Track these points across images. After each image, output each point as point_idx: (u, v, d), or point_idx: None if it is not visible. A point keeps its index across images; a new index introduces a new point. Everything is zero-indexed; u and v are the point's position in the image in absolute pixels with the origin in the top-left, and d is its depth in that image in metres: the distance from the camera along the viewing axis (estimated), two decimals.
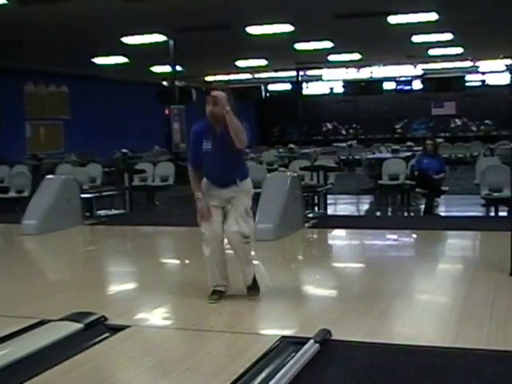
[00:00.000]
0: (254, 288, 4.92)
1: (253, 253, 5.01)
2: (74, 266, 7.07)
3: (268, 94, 27.34)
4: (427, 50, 20.61)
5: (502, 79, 26.85)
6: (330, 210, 11.29)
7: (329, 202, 11.20)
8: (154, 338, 4.24)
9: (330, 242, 8.60)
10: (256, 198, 8.21)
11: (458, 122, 31.58)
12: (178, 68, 18.93)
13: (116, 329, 4.21)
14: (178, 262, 7.59)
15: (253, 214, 5.05)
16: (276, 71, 26.85)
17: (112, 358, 3.86)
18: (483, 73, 27.33)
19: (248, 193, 4.90)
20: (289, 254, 7.44)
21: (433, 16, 14.36)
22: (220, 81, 27.01)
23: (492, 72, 26.89)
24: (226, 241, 4.91)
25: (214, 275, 4.89)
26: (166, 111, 19.94)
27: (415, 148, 19.61)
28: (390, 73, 26.29)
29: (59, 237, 8.34)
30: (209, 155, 4.77)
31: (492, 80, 27.83)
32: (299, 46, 18.48)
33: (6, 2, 11.60)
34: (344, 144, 26.35)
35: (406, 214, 12.24)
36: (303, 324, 4.36)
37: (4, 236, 9.27)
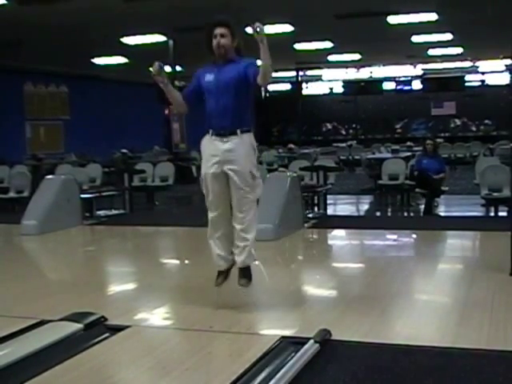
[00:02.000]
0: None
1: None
2: (74, 266, 7.07)
3: (268, 94, 27.38)
4: (427, 50, 20.64)
5: (502, 79, 26.87)
6: (330, 210, 11.29)
7: (328, 202, 11.20)
8: (154, 338, 4.24)
9: (330, 242, 8.60)
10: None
11: (458, 122, 31.59)
12: (178, 68, 18.94)
13: (116, 329, 4.21)
14: (177, 262, 7.59)
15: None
16: (276, 71, 26.81)
17: (112, 359, 3.86)
18: (483, 73, 27.37)
19: (251, 148, 4.46)
20: (288, 254, 7.44)
21: (432, 16, 14.38)
22: None
23: (492, 72, 26.93)
24: None
25: None
26: (166, 111, 19.95)
27: (415, 148, 19.62)
28: (389, 73, 26.30)
29: (59, 237, 8.34)
30: (209, 94, 4.39)
31: (492, 80, 27.85)
32: (299, 46, 18.51)
33: (5, 1, 11.62)
34: (344, 144, 26.36)
35: (405, 214, 12.24)
36: (303, 324, 4.36)
37: (4, 236, 9.27)
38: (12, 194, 12.23)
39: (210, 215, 4.57)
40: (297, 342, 3.80)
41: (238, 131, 4.42)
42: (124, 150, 20.62)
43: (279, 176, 8.79)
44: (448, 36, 17.63)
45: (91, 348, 3.90)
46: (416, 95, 27.89)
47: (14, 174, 13.31)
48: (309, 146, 25.10)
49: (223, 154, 4.39)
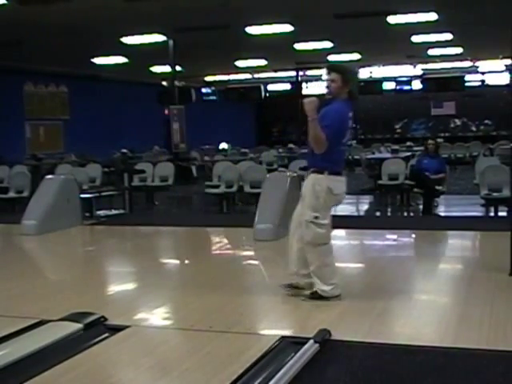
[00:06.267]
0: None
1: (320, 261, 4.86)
2: (74, 266, 7.07)
3: (268, 94, 27.35)
4: (427, 49, 20.62)
5: (502, 79, 26.82)
6: None
7: None
8: (154, 338, 4.24)
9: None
10: (256, 198, 8.23)
11: (458, 122, 31.57)
12: (178, 68, 18.93)
13: (116, 329, 4.20)
14: (177, 262, 7.59)
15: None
16: (276, 71, 26.84)
17: (111, 359, 3.86)
18: (483, 73, 27.34)
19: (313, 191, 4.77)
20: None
21: (432, 16, 14.36)
22: (220, 81, 27.01)
23: (491, 72, 26.89)
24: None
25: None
26: (166, 111, 19.94)
27: (415, 148, 19.61)
28: (389, 73, 26.29)
29: (59, 237, 8.33)
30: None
31: (491, 80, 27.81)
32: (299, 46, 18.48)
33: (5, 1, 11.60)
34: None
35: (405, 214, 12.23)
36: (303, 324, 4.36)
37: (3, 236, 9.26)
38: (12, 194, 12.23)
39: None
40: (297, 342, 3.80)
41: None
42: (124, 150, 20.57)
43: (279, 176, 8.79)
44: (448, 36, 17.60)
45: (91, 348, 3.90)
46: (416, 95, 27.83)
47: (14, 173, 13.30)
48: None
49: None
